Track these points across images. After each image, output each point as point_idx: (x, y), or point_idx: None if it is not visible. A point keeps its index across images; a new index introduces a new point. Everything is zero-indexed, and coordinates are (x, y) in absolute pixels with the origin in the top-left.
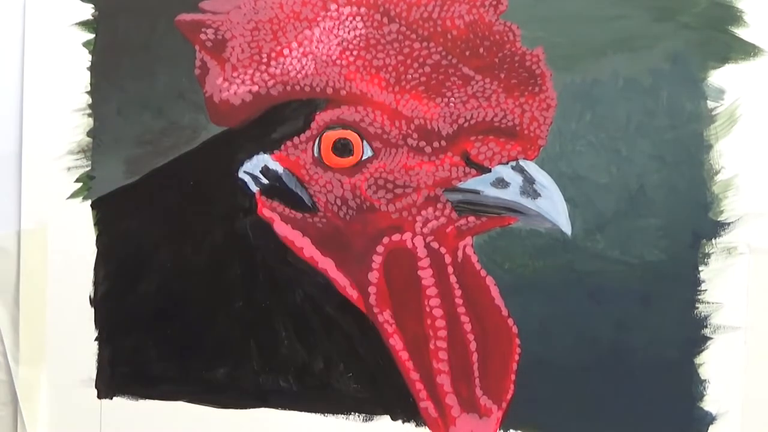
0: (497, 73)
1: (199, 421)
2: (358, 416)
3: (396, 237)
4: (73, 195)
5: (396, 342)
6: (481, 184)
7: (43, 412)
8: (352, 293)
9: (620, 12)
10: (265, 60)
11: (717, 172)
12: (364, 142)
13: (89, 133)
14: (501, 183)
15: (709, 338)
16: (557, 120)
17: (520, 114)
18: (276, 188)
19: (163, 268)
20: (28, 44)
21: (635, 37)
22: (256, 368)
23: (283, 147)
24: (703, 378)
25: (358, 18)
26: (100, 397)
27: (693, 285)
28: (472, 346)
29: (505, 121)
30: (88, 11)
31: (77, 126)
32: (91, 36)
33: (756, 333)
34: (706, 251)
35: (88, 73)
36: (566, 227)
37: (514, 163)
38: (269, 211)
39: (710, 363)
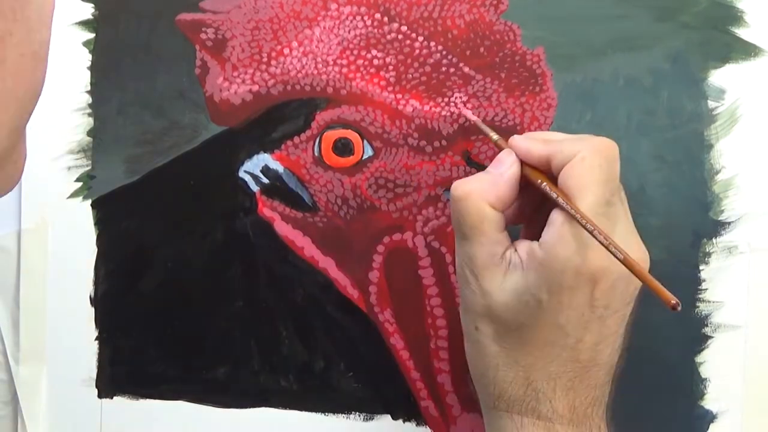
0: (498, 73)
1: (199, 421)
2: (359, 415)
3: (397, 236)
4: (74, 194)
5: (397, 341)
6: None
7: (44, 411)
8: (353, 293)
9: (620, 12)
10: (265, 59)
11: (717, 172)
12: (365, 141)
13: (89, 133)
14: None
15: (710, 337)
16: (558, 119)
17: (520, 113)
18: (276, 188)
19: (164, 267)
20: None
21: (635, 37)
22: (256, 368)
23: (283, 146)
24: (703, 377)
25: (358, 17)
26: (100, 396)
27: (693, 284)
28: None
29: (505, 121)
30: (88, 11)
31: (77, 125)
32: (91, 35)
33: (756, 332)
34: (707, 250)
35: (88, 72)
36: None
37: None
38: (270, 211)
39: (711, 362)
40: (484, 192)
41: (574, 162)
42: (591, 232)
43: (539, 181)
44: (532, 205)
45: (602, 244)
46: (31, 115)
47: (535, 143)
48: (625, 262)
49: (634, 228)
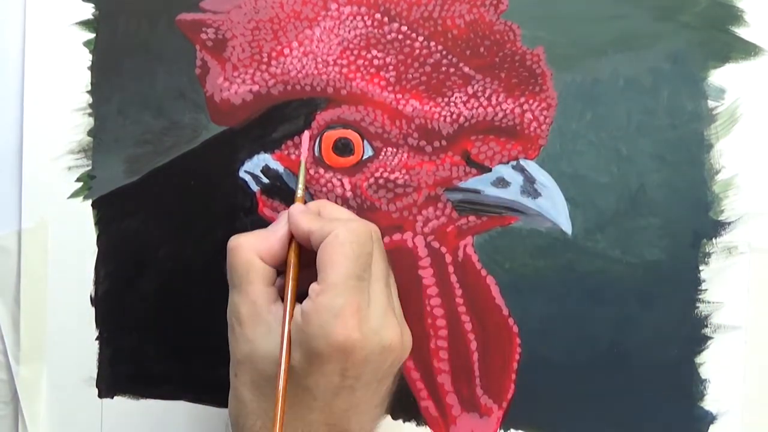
0: (498, 73)
1: (199, 421)
2: None
3: (396, 236)
4: (74, 194)
5: None
6: (481, 183)
7: (44, 411)
8: None
9: (620, 12)
10: (265, 59)
11: (717, 172)
12: (365, 141)
13: (90, 133)
14: (501, 182)
15: (710, 338)
16: (558, 119)
17: (520, 113)
18: (277, 187)
19: (164, 267)
20: (28, 44)
21: (635, 37)
22: None
23: (283, 146)
24: (703, 377)
25: (358, 17)
26: (100, 396)
27: (693, 284)
28: (473, 345)
29: (505, 121)
30: (88, 11)
31: (77, 125)
32: (92, 35)
33: (756, 332)
34: (707, 250)
35: (89, 72)
36: (567, 227)
37: (514, 163)
38: (270, 211)
39: (711, 362)
40: (254, 244)
41: (328, 239)
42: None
43: (293, 262)
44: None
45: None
46: None
47: (305, 217)
48: None
49: (393, 309)
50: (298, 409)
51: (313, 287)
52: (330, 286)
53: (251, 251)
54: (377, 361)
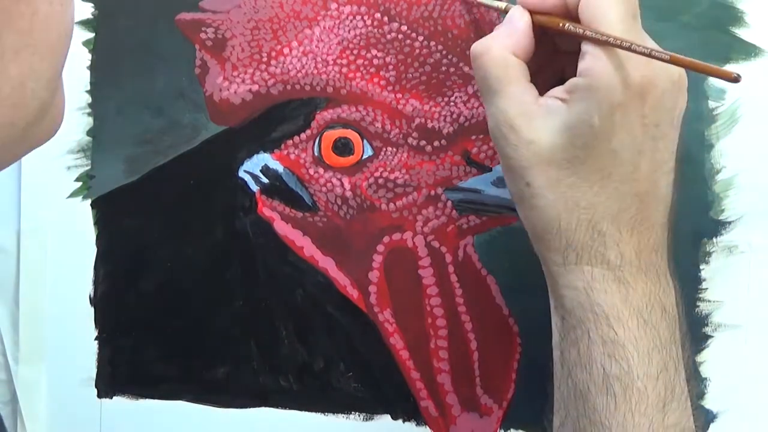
0: None
1: (199, 421)
2: (359, 415)
3: (396, 236)
4: (73, 194)
5: (396, 341)
6: (481, 183)
7: (43, 411)
8: (353, 292)
9: None
10: (265, 59)
11: (718, 172)
12: (365, 141)
13: (89, 132)
14: (501, 182)
15: (710, 336)
16: None
17: None
18: (276, 187)
19: (163, 267)
20: None
21: None
22: (256, 368)
23: (283, 146)
24: (703, 376)
25: (358, 17)
26: (100, 396)
27: (694, 283)
28: (473, 345)
29: None
30: (88, 10)
31: (77, 125)
32: (91, 35)
33: (757, 331)
34: (707, 250)
35: (88, 72)
36: None
37: None
38: (269, 210)
39: (711, 361)
40: (503, 42)
41: None
42: (629, 48)
43: (560, 24)
44: (546, 58)
45: (643, 53)
46: (65, 59)
47: None
48: (673, 59)
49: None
50: (608, 183)
51: (587, 47)
52: (611, 31)
53: (503, 49)
54: (671, 102)
